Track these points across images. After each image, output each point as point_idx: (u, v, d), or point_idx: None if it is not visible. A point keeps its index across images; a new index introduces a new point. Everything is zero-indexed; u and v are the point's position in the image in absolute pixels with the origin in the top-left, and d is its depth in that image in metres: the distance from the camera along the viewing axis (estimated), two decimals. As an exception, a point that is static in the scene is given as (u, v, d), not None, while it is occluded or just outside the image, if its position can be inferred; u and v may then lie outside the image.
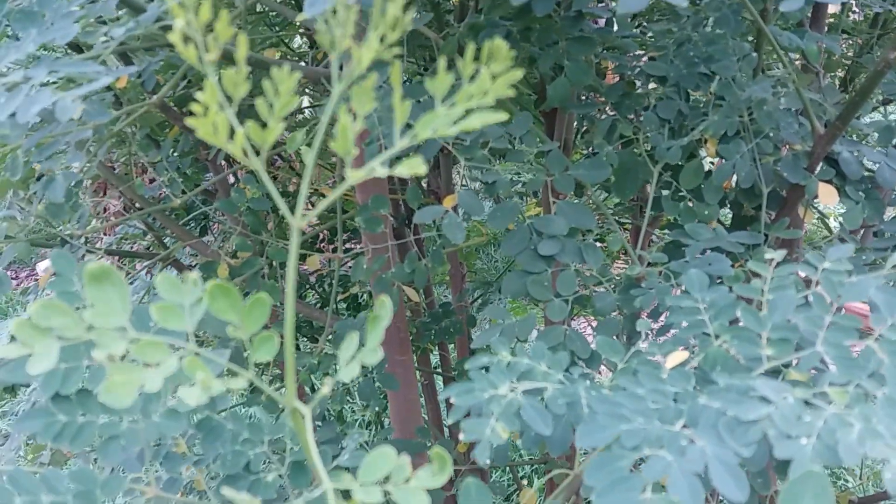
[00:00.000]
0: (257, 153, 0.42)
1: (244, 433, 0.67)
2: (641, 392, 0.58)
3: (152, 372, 0.45)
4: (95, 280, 0.45)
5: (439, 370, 2.17)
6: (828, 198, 1.07)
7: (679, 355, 0.67)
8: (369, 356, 0.44)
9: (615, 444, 0.52)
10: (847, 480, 2.76)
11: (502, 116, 0.41)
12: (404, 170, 0.42)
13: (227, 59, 1.05)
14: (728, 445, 0.50)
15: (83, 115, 0.85)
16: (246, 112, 1.19)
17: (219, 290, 0.45)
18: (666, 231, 1.33)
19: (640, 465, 0.52)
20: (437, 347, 2.06)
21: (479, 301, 2.12)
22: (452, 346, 2.20)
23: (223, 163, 1.67)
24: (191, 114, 0.41)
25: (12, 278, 4.96)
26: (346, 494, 0.45)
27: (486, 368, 0.66)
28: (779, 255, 0.66)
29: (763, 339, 0.58)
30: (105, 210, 2.13)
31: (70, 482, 0.60)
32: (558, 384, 0.65)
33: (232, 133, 0.41)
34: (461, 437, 0.57)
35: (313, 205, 2.32)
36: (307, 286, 2.15)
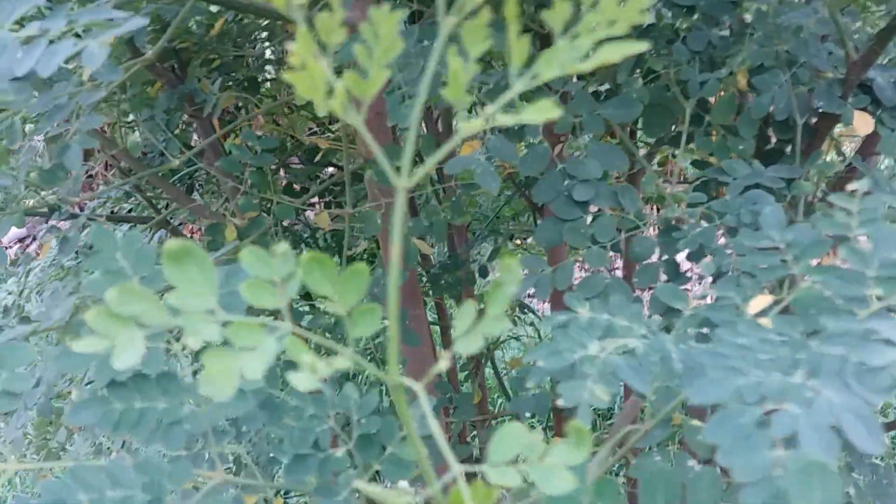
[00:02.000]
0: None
1: (310, 408, 0.63)
2: (743, 342, 0.55)
3: (250, 356, 0.40)
4: (175, 259, 0.40)
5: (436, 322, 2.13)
6: (863, 126, 1.04)
7: (763, 299, 0.64)
8: (493, 326, 0.40)
9: (733, 400, 0.49)
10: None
11: (643, 46, 0.36)
12: (534, 115, 0.37)
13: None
14: (857, 394, 0.47)
15: (93, 74, 0.78)
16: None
17: (315, 262, 0.41)
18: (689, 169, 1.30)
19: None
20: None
21: (487, 251, 2.07)
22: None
23: (214, 122, 1.58)
24: (288, 68, 0.35)
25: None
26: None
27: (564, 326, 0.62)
28: (863, 184, 0.63)
29: (869, 279, 0.55)
30: (86, 174, 2.04)
31: (135, 473, 0.56)
32: (642, 338, 0.61)
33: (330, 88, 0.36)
34: (559, 402, 0.54)
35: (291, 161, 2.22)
36: (301, 243, 2.09)
